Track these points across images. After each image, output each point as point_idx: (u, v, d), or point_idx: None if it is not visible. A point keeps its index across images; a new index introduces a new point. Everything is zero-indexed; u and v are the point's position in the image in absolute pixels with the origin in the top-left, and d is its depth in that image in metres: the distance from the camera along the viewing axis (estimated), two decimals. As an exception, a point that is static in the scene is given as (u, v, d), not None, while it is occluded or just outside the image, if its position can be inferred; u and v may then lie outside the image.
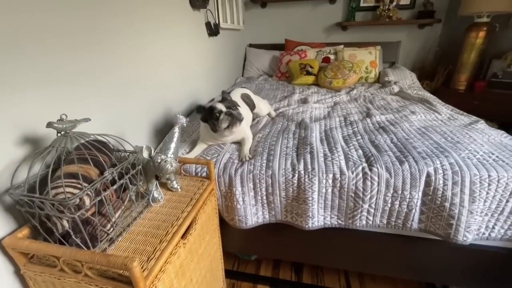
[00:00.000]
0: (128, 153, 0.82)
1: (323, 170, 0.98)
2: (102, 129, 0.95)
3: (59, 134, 0.65)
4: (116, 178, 0.69)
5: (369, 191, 0.95)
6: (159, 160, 0.78)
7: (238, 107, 1.13)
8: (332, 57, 2.53)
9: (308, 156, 1.04)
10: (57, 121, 0.62)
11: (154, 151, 0.79)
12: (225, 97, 1.15)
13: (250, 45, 2.99)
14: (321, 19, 2.79)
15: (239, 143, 1.24)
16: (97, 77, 0.92)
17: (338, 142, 1.13)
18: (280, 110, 1.63)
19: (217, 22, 2.04)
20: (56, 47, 0.77)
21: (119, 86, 1.04)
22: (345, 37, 2.79)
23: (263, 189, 1.04)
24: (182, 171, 1.05)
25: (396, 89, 1.97)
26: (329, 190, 0.99)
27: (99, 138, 0.75)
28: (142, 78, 1.20)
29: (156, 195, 0.87)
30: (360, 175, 0.95)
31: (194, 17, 1.71)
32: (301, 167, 1.00)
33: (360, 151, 1.05)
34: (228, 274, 1.34)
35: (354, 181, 0.95)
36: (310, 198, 0.98)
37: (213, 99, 1.49)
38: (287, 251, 1.22)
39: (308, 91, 2.09)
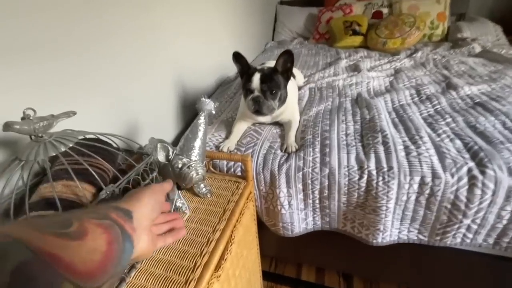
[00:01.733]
0: (138, 153, 0.60)
1: (405, 171, 0.69)
2: (104, 123, 0.73)
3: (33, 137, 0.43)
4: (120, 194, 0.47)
5: (477, 202, 0.65)
6: (180, 165, 0.55)
7: (277, 92, 0.85)
8: (385, 11, 2.04)
9: (381, 149, 0.75)
10: (21, 119, 0.40)
11: (173, 152, 0.56)
12: (275, 68, 0.86)
13: (281, 2, 2.55)
14: (371, -38, 2.23)
15: (281, 126, 0.98)
16: (88, 48, 0.68)
17: (422, 127, 0.81)
18: (326, 80, 1.31)
19: (244, -29, 1.65)
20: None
21: (122, 60, 0.79)
22: (401, -17, 2.22)
23: (316, 192, 0.79)
24: (211, 168, 0.82)
25: (477, 48, 1.51)
26: (412, 197, 0.71)
27: (97, 137, 0.53)
28: (154, 48, 0.94)
29: (179, 204, 0.66)
30: (465, 179, 0.65)
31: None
32: (372, 165, 0.72)
33: (458, 142, 0.74)
34: (265, 276, 1.17)
35: (455, 187, 0.66)
36: (384, 208, 0.72)
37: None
38: (336, 262, 1.01)
39: (356, 55, 1.70)
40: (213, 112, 0.60)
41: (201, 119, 0.58)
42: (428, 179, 0.67)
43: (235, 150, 0.87)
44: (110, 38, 0.73)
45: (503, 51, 1.43)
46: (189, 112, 1.15)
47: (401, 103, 1.01)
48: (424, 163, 0.69)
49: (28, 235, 0.18)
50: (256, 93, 0.84)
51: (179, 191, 0.64)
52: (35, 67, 0.55)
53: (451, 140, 0.75)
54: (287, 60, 0.85)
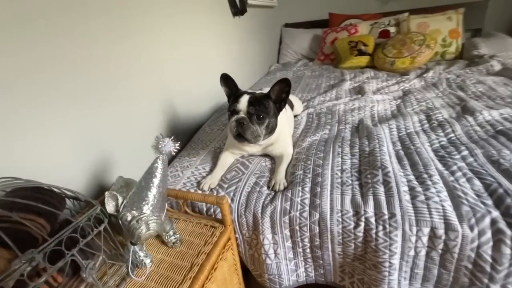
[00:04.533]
0: (86, 202, 0.52)
1: (411, 219, 0.57)
2: (70, 157, 0.67)
3: None
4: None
5: (507, 264, 0.51)
6: (128, 219, 0.46)
7: (265, 119, 0.76)
8: (392, 29, 1.96)
9: (381, 191, 0.63)
10: None
11: (122, 203, 0.48)
12: (269, 94, 0.77)
13: (286, 25, 2.54)
14: (376, -18, 2.20)
15: (273, 159, 0.88)
16: (58, 71, 0.63)
17: (431, 162, 0.69)
18: (326, 105, 1.21)
19: (243, -3, 1.65)
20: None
21: (90, 82, 0.75)
22: (407, 2, 2.15)
23: (306, 240, 0.67)
24: (187, 209, 0.73)
25: (496, 66, 1.37)
26: (422, 253, 0.57)
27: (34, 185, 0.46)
28: (144, 73, 0.90)
29: (139, 256, 0.56)
30: (489, 234, 0.52)
31: (212, -9, 1.36)
32: (370, 210, 0.60)
33: (477, 183, 0.61)
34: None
35: (476, 244, 0.53)
36: (387, 264, 0.59)
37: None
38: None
39: (362, 76, 1.61)
40: (174, 153, 0.52)
41: (158, 163, 0.50)
42: (441, 232, 0.54)
43: (217, 188, 0.78)
44: (84, 57, 0.69)
45: (527, 68, 1.29)
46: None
47: (408, 131, 0.89)
48: (434, 210, 0.56)
49: None
50: (241, 114, 0.75)
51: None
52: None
53: (468, 180, 0.62)
54: (283, 90, 0.76)
